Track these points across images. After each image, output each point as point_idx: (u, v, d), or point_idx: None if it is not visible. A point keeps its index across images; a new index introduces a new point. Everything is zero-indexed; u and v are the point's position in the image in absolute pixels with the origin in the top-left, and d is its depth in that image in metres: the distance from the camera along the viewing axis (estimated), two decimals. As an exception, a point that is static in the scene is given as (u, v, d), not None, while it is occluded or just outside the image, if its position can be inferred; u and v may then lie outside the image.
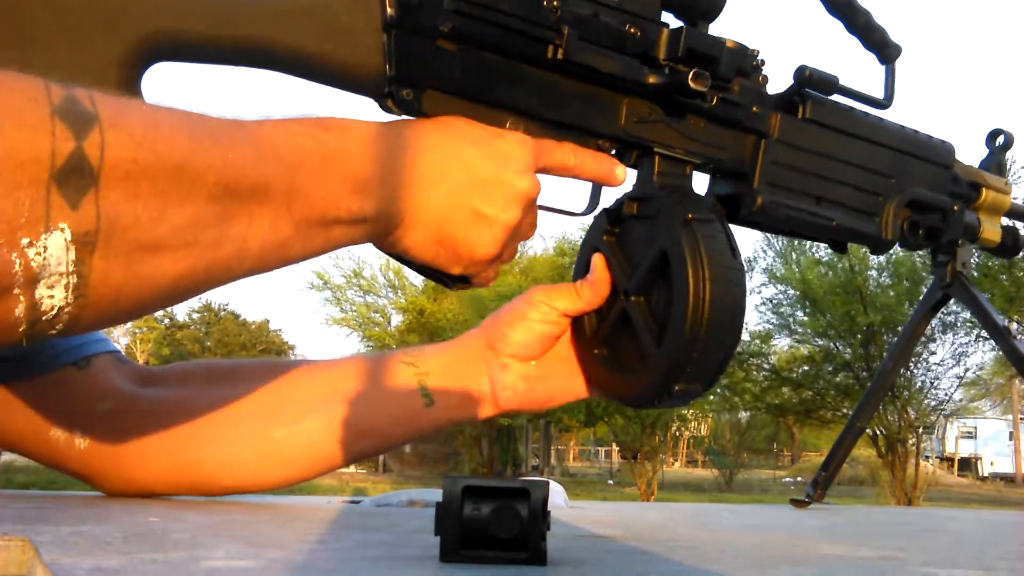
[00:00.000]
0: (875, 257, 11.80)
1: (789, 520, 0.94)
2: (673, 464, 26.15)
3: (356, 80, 0.56)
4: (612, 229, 0.71)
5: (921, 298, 1.07)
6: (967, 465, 26.77)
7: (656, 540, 0.69)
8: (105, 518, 0.62)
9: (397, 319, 18.46)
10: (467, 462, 17.08)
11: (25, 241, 0.39)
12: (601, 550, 0.62)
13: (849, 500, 15.03)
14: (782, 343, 14.18)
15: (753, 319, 16.96)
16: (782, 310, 13.18)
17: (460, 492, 0.50)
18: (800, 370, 13.71)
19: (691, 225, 0.63)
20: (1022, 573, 0.57)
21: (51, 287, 0.40)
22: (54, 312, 0.41)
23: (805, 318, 12.88)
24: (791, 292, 12.93)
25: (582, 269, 0.72)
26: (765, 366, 13.63)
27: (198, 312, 30.57)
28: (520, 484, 0.52)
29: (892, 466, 12.69)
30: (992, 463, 26.14)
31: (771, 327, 13.35)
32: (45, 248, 0.39)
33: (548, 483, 0.55)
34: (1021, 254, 1.02)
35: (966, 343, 12.22)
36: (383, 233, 0.58)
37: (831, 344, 12.82)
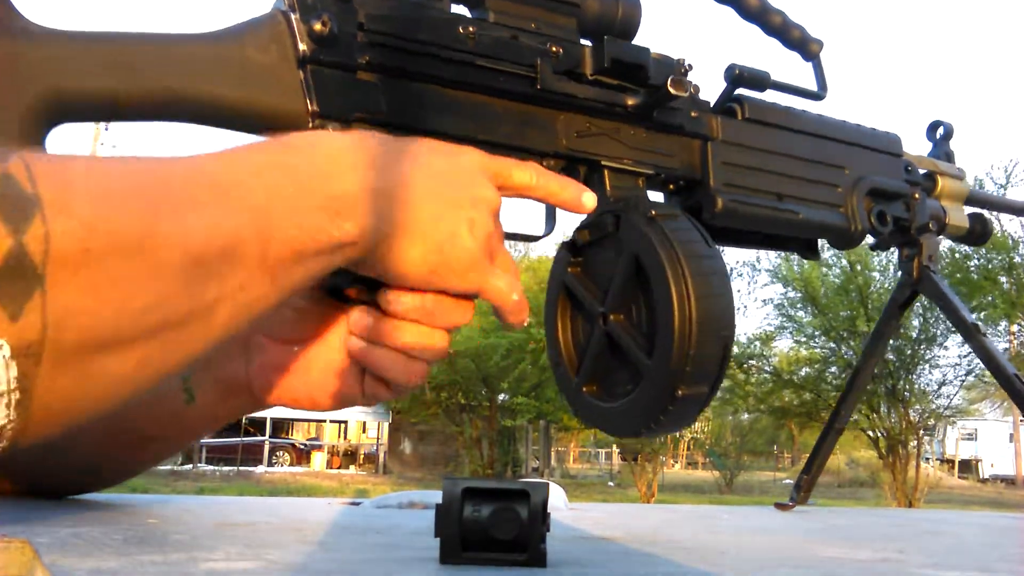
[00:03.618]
0: (877, 258, 11.85)
1: (789, 522, 0.94)
2: (673, 466, 26.15)
3: (279, 121, 0.54)
4: (575, 260, 0.69)
5: (890, 296, 1.07)
6: (967, 467, 26.77)
7: (656, 542, 0.69)
8: (104, 520, 0.62)
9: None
10: (467, 464, 17.08)
11: None
12: (601, 552, 0.62)
13: (849, 502, 15.01)
14: (783, 345, 14.19)
15: (755, 320, 16.92)
16: (785, 311, 13.19)
17: (460, 494, 0.50)
18: (802, 372, 13.71)
19: (657, 223, 0.61)
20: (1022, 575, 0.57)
21: None
22: None
23: (807, 318, 12.88)
24: (793, 294, 12.94)
25: (552, 304, 0.70)
26: (767, 368, 13.63)
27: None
28: (520, 486, 0.52)
29: (893, 468, 12.69)
30: (992, 465, 26.14)
31: (773, 328, 13.36)
32: None
33: (548, 485, 0.55)
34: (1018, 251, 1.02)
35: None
36: (364, 253, 0.53)
37: (832, 345, 12.82)
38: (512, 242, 0.69)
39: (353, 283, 0.56)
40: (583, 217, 0.67)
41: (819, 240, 0.84)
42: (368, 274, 0.54)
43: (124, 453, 0.71)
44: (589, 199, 0.62)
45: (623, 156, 0.68)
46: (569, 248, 0.69)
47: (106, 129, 20.44)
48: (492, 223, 0.56)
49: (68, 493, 0.76)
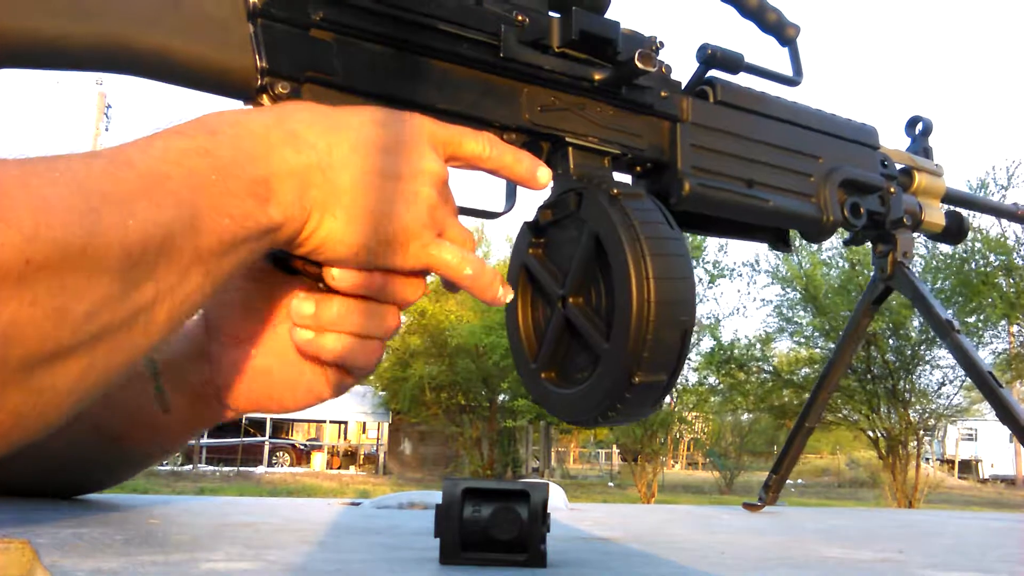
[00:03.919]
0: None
1: (789, 522, 0.94)
2: (673, 466, 26.14)
3: (227, 77, 0.51)
4: (536, 241, 0.67)
5: (863, 293, 1.06)
6: (968, 467, 26.76)
7: (656, 542, 0.69)
8: (105, 520, 0.62)
9: (397, 321, 18.44)
10: (467, 464, 17.08)
11: None
12: (601, 552, 0.62)
13: (849, 502, 15.02)
14: (782, 345, 14.20)
15: (755, 321, 16.93)
16: (785, 311, 13.19)
17: (460, 494, 0.50)
18: (801, 372, 13.71)
19: (619, 202, 0.59)
20: None
21: None
22: None
23: (808, 318, 12.88)
24: (793, 294, 12.94)
25: (512, 287, 0.66)
26: (766, 368, 13.63)
27: (199, 314, 30.52)
28: (520, 486, 0.52)
29: (893, 468, 12.68)
30: (992, 465, 26.13)
31: (772, 330, 13.36)
32: None
33: (548, 485, 0.55)
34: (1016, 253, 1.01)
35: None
36: (294, 234, 0.51)
37: (832, 346, 12.82)
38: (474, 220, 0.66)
39: (298, 256, 0.54)
40: (546, 196, 0.66)
41: (791, 231, 0.83)
42: (306, 255, 0.53)
43: (106, 458, 0.70)
44: (544, 175, 0.60)
45: (588, 133, 0.66)
46: (531, 228, 0.67)
47: (106, 129, 20.43)
48: (436, 195, 0.54)
49: (64, 494, 0.76)
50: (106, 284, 0.39)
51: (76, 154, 0.42)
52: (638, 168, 0.72)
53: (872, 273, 1.02)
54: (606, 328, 0.60)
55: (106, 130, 20.44)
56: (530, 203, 0.69)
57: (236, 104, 0.54)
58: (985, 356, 12.51)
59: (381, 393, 19.49)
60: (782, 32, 0.80)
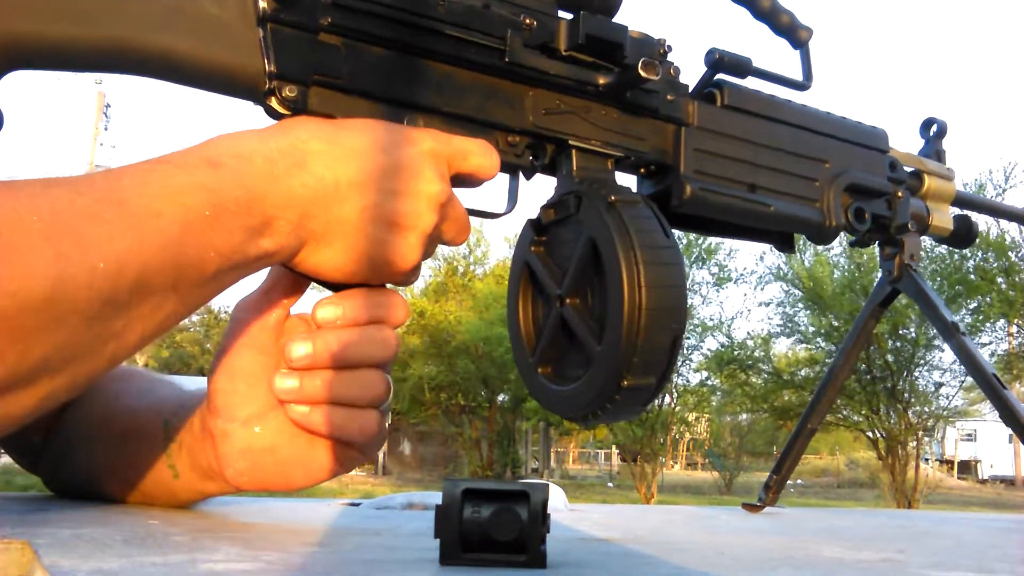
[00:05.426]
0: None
1: (789, 522, 0.94)
2: (673, 467, 26.14)
3: (235, 80, 0.52)
4: (539, 239, 0.68)
5: (870, 295, 1.05)
6: (967, 468, 26.77)
7: (656, 543, 0.69)
8: (105, 521, 0.61)
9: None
10: (467, 465, 17.08)
11: None
12: (601, 553, 0.62)
13: (849, 503, 15.01)
14: (782, 346, 14.20)
15: (755, 321, 16.93)
16: (786, 311, 13.19)
17: (460, 495, 0.50)
18: (801, 372, 13.71)
19: (616, 208, 0.60)
20: (1022, 576, 0.57)
21: None
22: None
23: (809, 318, 12.88)
24: (795, 293, 12.95)
25: (515, 282, 0.69)
26: (765, 368, 13.63)
27: (198, 314, 30.57)
28: (520, 487, 0.52)
29: (892, 469, 12.69)
30: (992, 466, 26.14)
31: (773, 330, 13.37)
32: None
33: (548, 486, 0.55)
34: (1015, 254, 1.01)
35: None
36: (287, 260, 0.52)
37: (833, 347, 12.82)
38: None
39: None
40: (549, 195, 0.67)
41: (795, 234, 0.82)
42: (293, 268, 0.54)
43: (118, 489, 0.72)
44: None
45: (592, 136, 0.66)
46: (533, 226, 0.68)
47: (105, 128, 20.42)
48: (435, 219, 0.55)
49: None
50: (71, 328, 0.39)
51: (68, 182, 0.42)
52: (642, 169, 0.72)
53: (879, 276, 1.02)
54: (599, 330, 0.61)
55: (105, 129, 20.45)
56: (532, 203, 0.70)
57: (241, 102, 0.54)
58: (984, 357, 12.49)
59: (381, 393, 19.47)
60: (795, 35, 0.80)
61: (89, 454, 0.71)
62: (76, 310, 0.39)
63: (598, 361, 0.60)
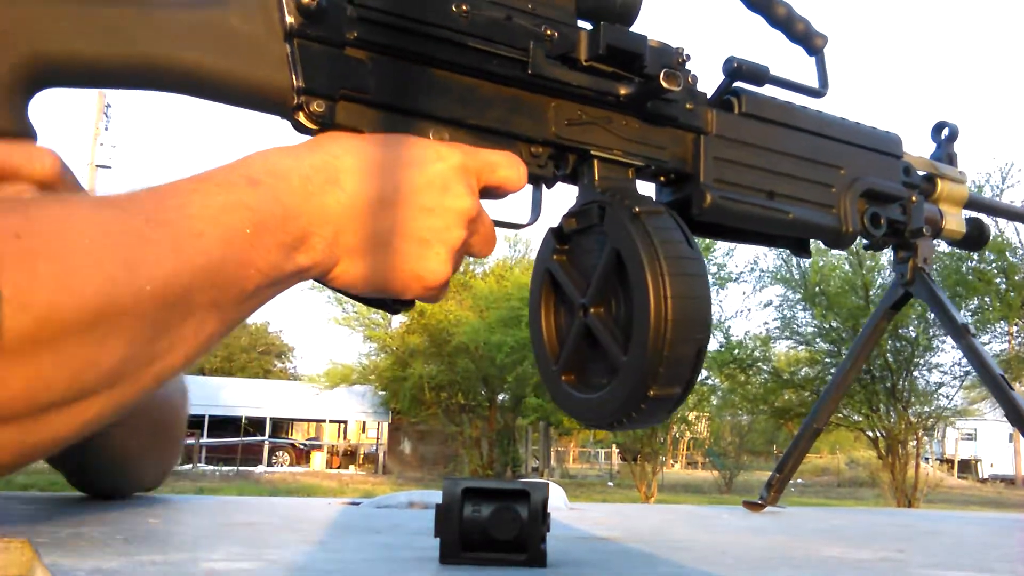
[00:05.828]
0: (884, 258, 11.85)
1: (789, 522, 0.94)
2: (673, 466, 26.15)
3: (263, 95, 0.53)
4: (561, 247, 0.68)
5: (883, 297, 1.06)
6: (967, 467, 26.78)
7: (656, 542, 0.69)
8: (105, 520, 0.62)
9: (398, 320, 18.48)
10: (467, 464, 17.08)
11: None
12: (601, 552, 0.62)
13: (849, 502, 15.02)
14: (782, 346, 14.20)
15: (756, 322, 16.84)
16: (786, 312, 13.19)
17: (460, 494, 0.50)
18: (802, 372, 13.70)
19: (640, 219, 0.61)
20: (1022, 575, 0.57)
21: None
22: None
23: (809, 319, 12.88)
24: (792, 295, 12.94)
25: (537, 289, 0.70)
26: (765, 367, 13.63)
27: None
28: (520, 486, 0.52)
29: (892, 468, 12.69)
30: (992, 465, 26.16)
31: (773, 331, 13.36)
32: None
33: (548, 485, 0.55)
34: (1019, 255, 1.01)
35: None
36: (322, 275, 0.54)
37: (833, 347, 12.83)
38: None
39: None
40: (571, 204, 0.67)
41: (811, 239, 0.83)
42: (329, 287, 0.55)
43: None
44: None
45: (613, 146, 0.67)
46: (556, 235, 0.68)
47: (106, 129, 20.42)
48: (463, 233, 0.56)
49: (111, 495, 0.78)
50: (116, 346, 0.40)
51: (117, 201, 0.43)
52: (662, 178, 0.73)
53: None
54: (624, 341, 0.61)
55: (105, 129, 20.43)
56: (554, 212, 0.71)
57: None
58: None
59: (381, 392, 19.50)
60: (810, 42, 0.81)
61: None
62: (121, 329, 0.40)
63: (624, 371, 0.60)
